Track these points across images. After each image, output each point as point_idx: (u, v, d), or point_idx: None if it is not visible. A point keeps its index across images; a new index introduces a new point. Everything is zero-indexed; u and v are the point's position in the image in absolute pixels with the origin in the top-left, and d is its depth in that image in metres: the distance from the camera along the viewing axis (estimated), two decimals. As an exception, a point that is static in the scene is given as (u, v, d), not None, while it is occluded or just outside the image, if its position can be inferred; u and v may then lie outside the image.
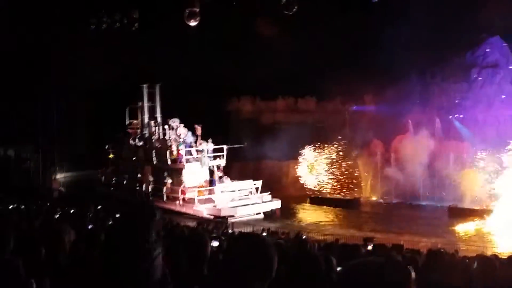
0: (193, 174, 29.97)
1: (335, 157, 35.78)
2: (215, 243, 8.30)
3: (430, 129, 31.55)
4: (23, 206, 19.59)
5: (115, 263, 3.49)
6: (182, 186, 29.53)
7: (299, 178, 36.27)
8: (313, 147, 36.17)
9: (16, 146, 40.95)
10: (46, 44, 34.22)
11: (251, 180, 28.94)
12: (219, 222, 24.12)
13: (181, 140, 31.35)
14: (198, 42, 37.86)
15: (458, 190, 28.41)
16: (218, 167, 30.27)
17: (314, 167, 36.24)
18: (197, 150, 30.81)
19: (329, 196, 34.07)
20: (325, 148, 36.01)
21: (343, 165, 35.39)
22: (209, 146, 30.76)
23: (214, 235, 13.68)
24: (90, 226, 10.57)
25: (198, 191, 28.66)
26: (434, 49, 32.72)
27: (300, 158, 36.58)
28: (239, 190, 28.30)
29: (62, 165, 41.40)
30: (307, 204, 33.28)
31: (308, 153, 36.36)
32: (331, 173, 35.77)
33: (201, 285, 3.25)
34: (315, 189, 35.39)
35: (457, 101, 34.16)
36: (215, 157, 30.63)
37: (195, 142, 31.32)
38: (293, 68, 35.97)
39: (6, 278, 3.02)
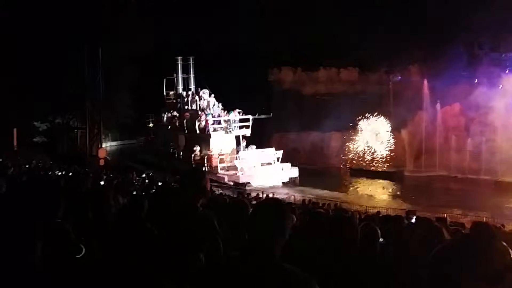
0: (219, 143, 31.18)
1: (378, 128, 35.17)
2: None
3: (475, 101, 30.58)
4: (70, 173, 20.23)
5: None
6: (208, 153, 30.71)
7: (341, 150, 35.93)
8: (356, 119, 35.65)
9: (64, 115, 42.13)
10: (91, 13, 34.62)
11: (271, 149, 30.20)
12: (259, 191, 24.36)
13: (209, 110, 32.46)
14: (240, 13, 37.59)
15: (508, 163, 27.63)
16: (243, 136, 31.44)
17: (356, 139, 35.82)
18: (223, 120, 31.75)
19: (371, 168, 33.66)
20: (368, 119, 35.43)
21: (386, 137, 34.80)
22: (235, 116, 31.72)
23: (254, 203, 13.84)
24: (134, 193, 10.87)
25: (221, 159, 29.86)
26: (483, 19, 31.31)
27: (342, 130, 36.16)
28: (259, 159, 29.34)
29: (108, 134, 42.48)
30: (348, 176, 33.03)
31: (350, 125, 35.90)
32: (373, 145, 35.25)
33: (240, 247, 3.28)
34: (357, 161, 35.00)
35: (507, 71, 32.86)
36: (241, 127, 31.63)
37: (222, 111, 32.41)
38: (336, 38, 35.27)
39: (57, 240, 3.15)
